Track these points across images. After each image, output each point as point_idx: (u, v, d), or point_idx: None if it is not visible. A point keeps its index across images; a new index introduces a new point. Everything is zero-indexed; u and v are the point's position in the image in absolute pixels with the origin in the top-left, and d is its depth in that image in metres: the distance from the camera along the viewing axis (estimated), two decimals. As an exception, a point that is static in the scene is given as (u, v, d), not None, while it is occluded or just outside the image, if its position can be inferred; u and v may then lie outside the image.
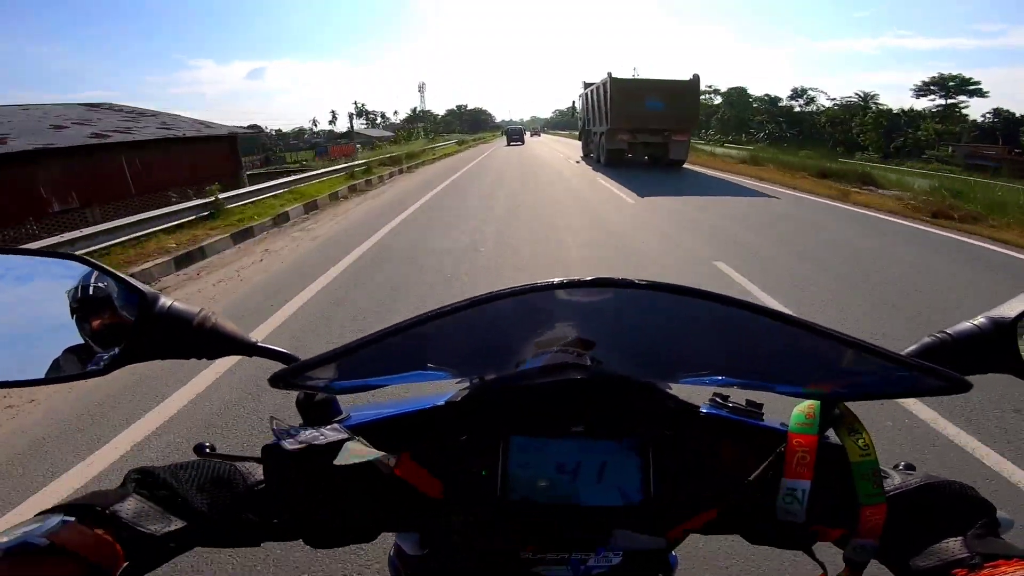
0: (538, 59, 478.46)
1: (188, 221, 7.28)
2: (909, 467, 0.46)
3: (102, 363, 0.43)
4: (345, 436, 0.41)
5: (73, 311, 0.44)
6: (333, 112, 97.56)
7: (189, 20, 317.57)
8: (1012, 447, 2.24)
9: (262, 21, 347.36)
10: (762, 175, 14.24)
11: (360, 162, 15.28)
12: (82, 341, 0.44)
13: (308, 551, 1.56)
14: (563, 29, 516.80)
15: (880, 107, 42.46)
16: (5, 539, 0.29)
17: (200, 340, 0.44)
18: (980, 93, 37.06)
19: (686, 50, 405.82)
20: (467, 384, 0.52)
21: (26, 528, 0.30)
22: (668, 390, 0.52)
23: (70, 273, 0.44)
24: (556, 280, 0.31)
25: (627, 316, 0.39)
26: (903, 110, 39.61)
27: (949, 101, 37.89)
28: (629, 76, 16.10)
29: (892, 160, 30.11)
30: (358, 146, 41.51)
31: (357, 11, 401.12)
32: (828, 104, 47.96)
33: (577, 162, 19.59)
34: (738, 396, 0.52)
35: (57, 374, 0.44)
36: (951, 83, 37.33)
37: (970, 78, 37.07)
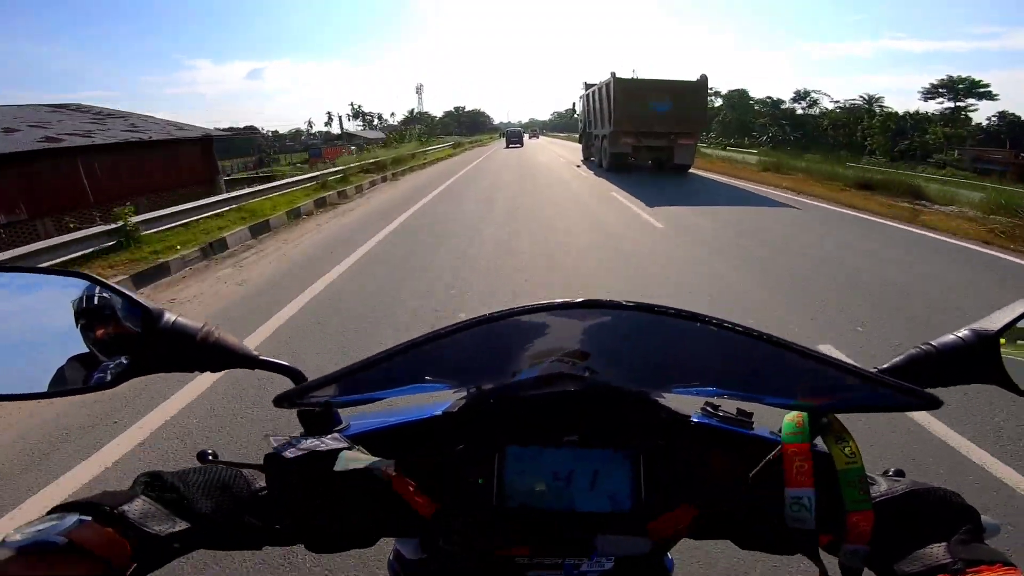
0: (537, 61, 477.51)
1: (86, 254, 5.53)
2: (899, 473, 0.47)
3: (108, 377, 0.45)
4: (345, 445, 0.43)
5: (79, 326, 0.45)
6: (329, 114, 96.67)
7: (187, 20, 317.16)
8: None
9: (261, 21, 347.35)
10: (796, 186, 12.06)
11: (335, 169, 13.32)
12: (87, 356, 0.45)
13: (309, 554, 1.35)
14: (562, 31, 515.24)
15: (884, 109, 41.73)
16: (19, 536, 0.30)
17: (204, 354, 0.45)
18: (989, 96, 36.34)
19: (684, 52, 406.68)
20: (464, 394, 0.54)
21: (41, 526, 0.31)
22: (660, 400, 0.53)
23: (75, 290, 0.45)
24: (547, 302, 0.32)
25: (620, 331, 0.40)
26: (909, 113, 38.81)
27: (958, 104, 37.10)
28: (629, 77, 15.10)
29: (900, 164, 29.29)
30: (353, 148, 40.58)
31: (356, 12, 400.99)
32: (831, 107, 47.24)
33: (578, 166, 18.69)
34: (729, 405, 0.53)
35: (63, 387, 0.44)
36: (960, 85, 36.55)
37: (979, 80, 36.39)
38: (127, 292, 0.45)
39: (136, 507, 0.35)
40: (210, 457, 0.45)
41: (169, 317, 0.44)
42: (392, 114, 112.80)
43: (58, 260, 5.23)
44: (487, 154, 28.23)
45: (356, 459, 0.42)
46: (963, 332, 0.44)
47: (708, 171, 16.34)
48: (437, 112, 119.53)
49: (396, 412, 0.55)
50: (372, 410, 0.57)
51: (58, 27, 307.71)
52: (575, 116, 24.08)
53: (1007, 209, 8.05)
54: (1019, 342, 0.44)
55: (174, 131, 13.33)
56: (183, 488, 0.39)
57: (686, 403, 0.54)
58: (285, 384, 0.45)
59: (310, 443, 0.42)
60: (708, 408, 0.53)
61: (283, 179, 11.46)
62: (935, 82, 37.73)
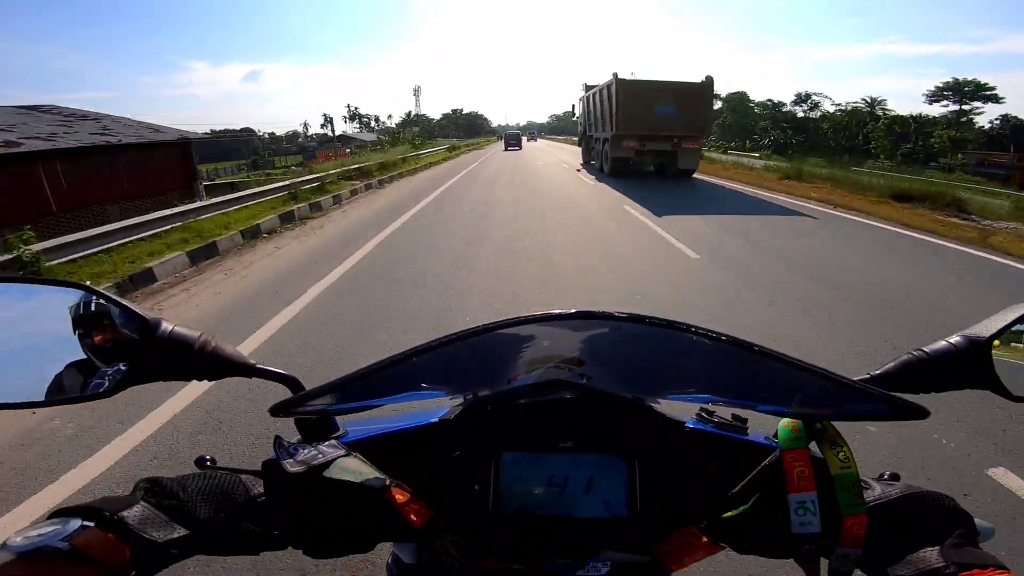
0: (535, 64, 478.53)
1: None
2: (894, 476, 0.47)
3: (105, 385, 0.45)
4: (342, 453, 0.43)
5: (77, 335, 0.45)
6: (325, 115, 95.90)
7: (184, 22, 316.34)
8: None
9: (259, 24, 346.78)
10: (827, 197, 10.71)
11: (309, 177, 11.58)
12: (85, 364, 0.45)
13: (307, 560, 1.21)
14: (560, 34, 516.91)
15: (887, 112, 41.14)
16: (20, 540, 0.30)
17: (201, 363, 0.45)
18: (996, 99, 35.74)
19: (681, 54, 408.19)
20: (461, 401, 0.54)
21: (43, 530, 0.31)
22: (655, 406, 0.53)
23: (72, 299, 0.45)
24: (541, 314, 0.33)
25: (615, 340, 0.41)
26: (912, 116, 38.18)
27: (963, 107, 36.55)
28: (632, 78, 14.40)
29: (904, 168, 28.73)
30: (348, 151, 39.79)
31: (354, 14, 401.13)
32: (832, 109, 46.67)
33: (578, 170, 18.00)
34: (724, 411, 0.53)
35: (59, 396, 0.45)
36: (967, 88, 35.97)
37: (986, 83, 35.59)
38: (123, 302, 0.45)
39: (135, 513, 0.36)
40: (208, 463, 0.45)
41: (166, 326, 0.45)
42: (389, 116, 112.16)
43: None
44: (483, 158, 27.15)
45: (349, 470, 0.42)
46: (955, 338, 0.45)
47: (724, 179, 15.21)
48: (435, 114, 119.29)
49: (393, 419, 0.55)
50: (369, 417, 0.56)
51: (56, 28, 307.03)
52: (574, 119, 23.32)
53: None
54: (1011, 347, 0.44)
55: (148, 134, 12.53)
56: (182, 494, 0.39)
57: (681, 409, 0.53)
58: (282, 392, 0.45)
59: (308, 454, 0.42)
60: (703, 414, 0.53)
61: (251, 188, 9.95)
62: (940, 84, 37.11)
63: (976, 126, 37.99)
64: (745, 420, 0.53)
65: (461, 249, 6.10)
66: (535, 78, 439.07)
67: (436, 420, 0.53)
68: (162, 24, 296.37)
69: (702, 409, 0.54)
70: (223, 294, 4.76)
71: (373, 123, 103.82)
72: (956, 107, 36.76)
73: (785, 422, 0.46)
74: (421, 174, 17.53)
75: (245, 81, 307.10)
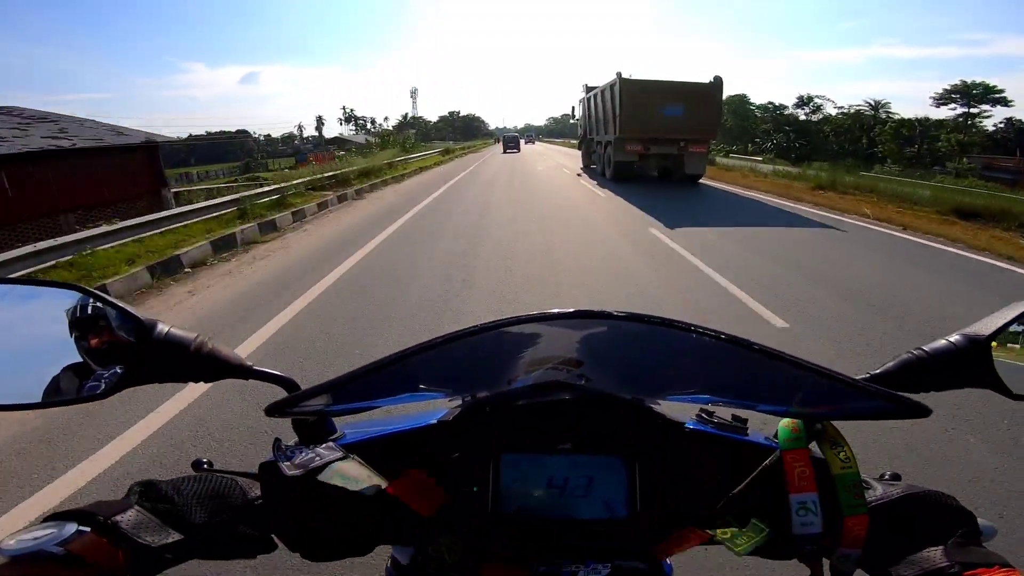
0: (533, 67, 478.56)
1: None
2: (895, 477, 0.46)
3: (101, 387, 0.45)
4: (340, 455, 0.43)
5: (73, 337, 0.45)
6: (319, 118, 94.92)
7: (182, 24, 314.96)
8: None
9: (257, 26, 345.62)
10: (880, 214, 9.01)
11: (266, 188, 9.63)
12: (81, 366, 0.45)
13: (305, 563, 1.10)
14: (558, 37, 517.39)
15: (891, 115, 40.37)
16: (13, 544, 0.30)
17: (198, 364, 0.45)
18: (1005, 102, 34.99)
19: (675, 58, 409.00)
20: (459, 402, 0.53)
21: (37, 534, 0.31)
22: (655, 407, 0.53)
23: (69, 301, 0.45)
24: (539, 313, 0.32)
25: (614, 340, 0.41)
26: (918, 119, 37.40)
27: (971, 110, 35.82)
28: (636, 78, 13.49)
29: (911, 172, 27.99)
30: (342, 153, 38.76)
31: (352, 16, 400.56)
32: (834, 112, 45.90)
33: (579, 174, 17.07)
34: (724, 412, 0.52)
35: (56, 398, 0.45)
36: (975, 91, 35.22)
37: (994, 86, 34.90)
38: (120, 304, 0.45)
39: (129, 517, 0.35)
40: (205, 466, 0.45)
41: (162, 328, 0.44)
42: (386, 118, 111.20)
43: None
44: (479, 162, 25.79)
45: (345, 476, 0.41)
46: (955, 337, 0.44)
47: (744, 187, 13.69)
48: (432, 117, 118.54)
49: (391, 421, 0.54)
50: (367, 419, 0.55)
51: (53, 29, 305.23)
52: (574, 121, 22.38)
53: None
54: (1010, 346, 0.44)
55: (109, 137, 11.46)
56: (177, 498, 0.39)
57: (680, 410, 0.53)
58: (280, 394, 0.44)
59: (306, 457, 0.42)
60: (703, 415, 0.53)
61: (193, 203, 8.22)
62: (948, 87, 36.35)
63: (987, 130, 37.30)
64: (745, 421, 0.52)
65: (439, 302, 4.33)
66: (533, 81, 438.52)
67: (435, 422, 0.52)
68: (161, 25, 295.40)
69: (702, 410, 0.53)
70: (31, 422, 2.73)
71: (369, 125, 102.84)
72: (963, 110, 36.04)
73: (785, 422, 0.46)
74: (411, 180, 16.06)
75: (244, 83, 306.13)
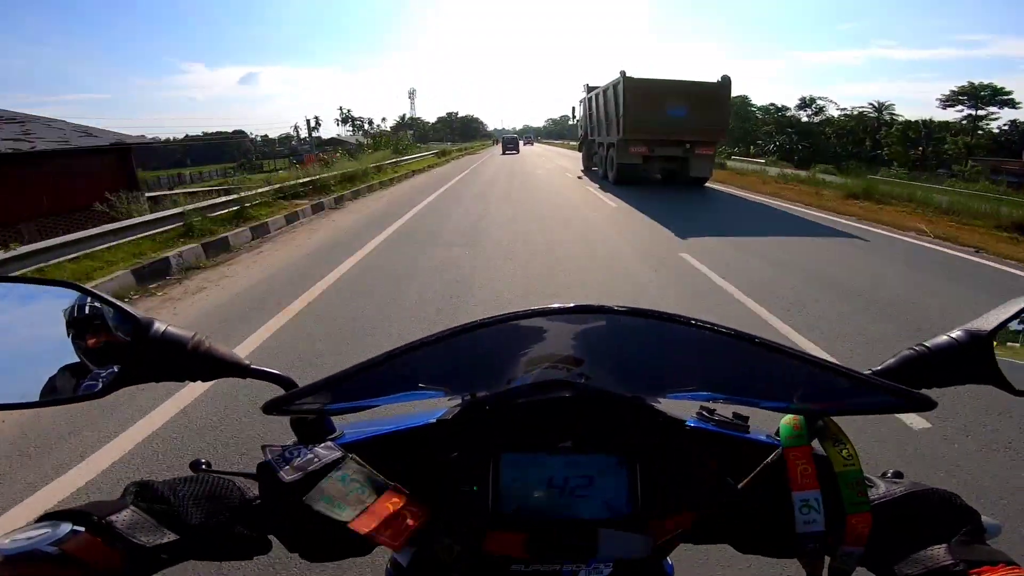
0: (531, 69, 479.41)
1: None
2: (897, 474, 0.46)
3: (98, 386, 0.44)
4: (339, 455, 0.43)
5: (69, 335, 0.45)
6: (316, 118, 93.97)
7: (181, 25, 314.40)
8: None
9: (256, 27, 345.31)
10: (940, 231, 7.79)
11: (227, 199, 8.04)
12: (78, 365, 0.45)
13: (304, 564, 1.11)
14: (557, 38, 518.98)
15: (895, 117, 39.78)
16: (7, 543, 0.30)
17: (195, 363, 0.45)
18: (1012, 104, 34.43)
19: (673, 60, 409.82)
20: (459, 401, 0.53)
21: (31, 534, 0.31)
22: (655, 405, 0.52)
23: (65, 299, 0.45)
24: (539, 308, 0.32)
25: (614, 336, 0.40)
26: (923, 121, 36.82)
27: (978, 112, 35.24)
28: (641, 77, 12.80)
29: (919, 177, 27.39)
30: (338, 154, 37.87)
31: (351, 17, 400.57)
32: (837, 114, 45.28)
33: (579, 177, 16.35)
34: (725, 409, 0.52)
35: (53, 397, 0.44)
36: (983, 93, 34.64)
37: (1002, 87, 34.35)
38: (116, 302, 0.45)
39: (125, 517, 0.35)
40: (203, 466, 0.45)
41: (159, 326, 0.44)
42: (383, 119, 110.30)
43: None
44: (476, 165, 24.76)
45: (331, 499, 0.40)
46: (956, 333, 0.44)
47: (769, 196, 12.24)
48: (430, 118, 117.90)
49: (390, 420, 0.55)
50: (366, 418, 0.55)
51: (53, 29, 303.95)
52: (574, 121, 21.68)
53: None
54: (1012, 342, 0.44)
55: (76, 138, 10.67)
56: (173, 498, 0.39)
57: (681, 408, 0.52)
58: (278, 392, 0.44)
59: (305, 458, 0.42)
60: (704, 412, 0.53)
61: (132, 218, 6.51)
62: (955, 88, 35.77)
63: (994, 132, 36.75)
64: (746, 418, 0.52)
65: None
66: (531, 82, 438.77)
67: (434, 421, 0.52)
68: (160, 26, 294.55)
69: (702, 407, 0.53)
70: None
71: (367, 126, 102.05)
72: (971, 112, 35.46)
73: (787, 419, 0.46)
74: (400, 184, 14.91)
75: (243, 83, 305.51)
